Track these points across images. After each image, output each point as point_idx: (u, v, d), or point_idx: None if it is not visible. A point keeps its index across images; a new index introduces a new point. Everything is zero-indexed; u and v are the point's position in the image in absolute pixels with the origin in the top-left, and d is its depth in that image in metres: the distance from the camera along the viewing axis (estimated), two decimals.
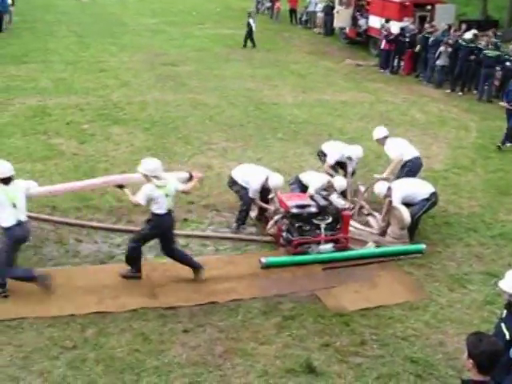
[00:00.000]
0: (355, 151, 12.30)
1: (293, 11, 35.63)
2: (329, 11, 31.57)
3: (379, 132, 12.50)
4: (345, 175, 12.21)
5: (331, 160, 12.25)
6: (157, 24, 32.89)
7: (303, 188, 11.56)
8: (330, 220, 10.56)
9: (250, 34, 28.08)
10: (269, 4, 38.01)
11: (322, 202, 10.65)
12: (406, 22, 25.03)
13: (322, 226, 10.49)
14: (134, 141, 15.39)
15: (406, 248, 10.67)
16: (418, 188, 11.19)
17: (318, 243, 10.44)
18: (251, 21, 28.11)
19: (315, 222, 10.51)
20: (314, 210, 10.53)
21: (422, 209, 10.99)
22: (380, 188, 11.20)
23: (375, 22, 27.36)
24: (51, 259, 10.01)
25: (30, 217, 10.92)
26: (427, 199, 11.01)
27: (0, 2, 28.16)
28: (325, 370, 7.75)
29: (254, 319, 8.69)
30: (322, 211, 10.56)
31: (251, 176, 11.03)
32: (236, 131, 16.41)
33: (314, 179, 11.54)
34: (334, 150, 12.38)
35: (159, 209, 9.21)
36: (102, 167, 13.67)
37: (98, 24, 32.31)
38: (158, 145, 15.17)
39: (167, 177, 9.47)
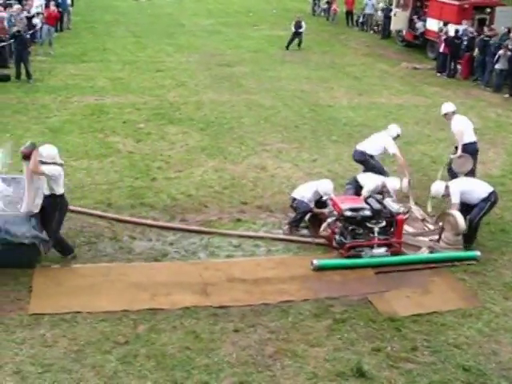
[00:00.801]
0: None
1: (349, 13, 35.41)
2: (386, 13, 31.31)
3: (447, 106, 12.97)
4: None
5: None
6: (213, 25, 33.09)
7: (359, 189, 11.52)
8: (383, 224, 10.46)
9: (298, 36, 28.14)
10: (325, 6, 37.87)
11: (376, 206, 10.55)
12: (465, 25, 24.66)
13: (376, 229, 10.40)
14: (188, 140, 15.52)
15: (460, 254, 10.51)
16: (477, 186, 10.97)
17: (371, 247, 10.36)
18: (303, 23, 28.14)
19: (369, 225, 10.42)
20: (367, 213, 10.43)
21: (481, 211, 10.73)
22: (437, 188, 11.02)
23: (433, 24, 27.02)
24: (105, 255, 10.16)
25: (85, 213, 11.22)
26: (486, 199, 10.75)
27: (60, 3, 28.71)
28: (375, 374, 7.69)
29: (305, 321, 8.67)
30: (376, 215, 10.47)
31: (304, 190, 11.26)
32: (291, 133, 16.40)
33: (369, 180, 11.48)
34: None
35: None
36: (156, 166, 13.83)
37: (155, 24, 32.68)
38: (213, 145, 15.27)
39: None
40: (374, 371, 7.73)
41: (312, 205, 11.21)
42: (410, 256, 10.48)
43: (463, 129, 12.62)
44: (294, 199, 11.29)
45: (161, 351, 7.92)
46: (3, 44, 20.80)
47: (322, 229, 10.90)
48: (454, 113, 12.85)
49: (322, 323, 8.64)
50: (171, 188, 12.70)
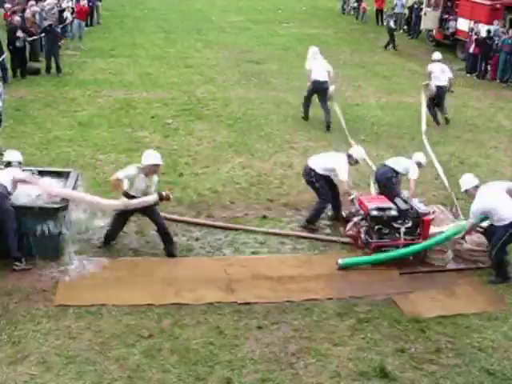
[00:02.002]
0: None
1: (379, 12, 35.25)
2: (417, 13, 31.10)
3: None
4: None
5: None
6: (242, 21, 33.12)
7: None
8: (409, 224, 10.40)
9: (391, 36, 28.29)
10: (355, 4, 37.71)
11: (403, 206, 10.49)
12: (496, 25, 24.40)
13: (402, 229, 10.34)
14: (216, 137, 15.55)
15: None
16: (503, 205, 9.63)
17: (397, 247, 10.31)
18: (391, 23, 28.12)
19: (395, 225, 10.37)
20: (394, 213, 10.38)
21: (499, 241, 9.65)
22: (466, 181, 10.23)
23: (463, 24, 26.80)
24: (131, 249, 10.23)
25: None
26: (508, 226, 9.54)
27: None
28: (398, 375, 7.65)
29: (329, 320, 8.66)
30: (403, 215, 10.41)
31: (332, 161, 11.30)
32: (318, 131, 16.36)
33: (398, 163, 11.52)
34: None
35: None
36: (183, 161, 13.89)
37: (184, 20, 32.81)
38: (240, 141, 15.29)
39: None
40: (397, 372, 7.69)
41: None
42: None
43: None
44: (315, 174, 11.27)
45: (184, 346, 7.96)
46: (34, 38, 20.98)
47: (347, 228, 10.88)
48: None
49: (346, 322, 8.62)
50: (198, 184, 12.74)
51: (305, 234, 11.01)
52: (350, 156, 11.31)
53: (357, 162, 11.43)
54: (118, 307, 8.64)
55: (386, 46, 28.46)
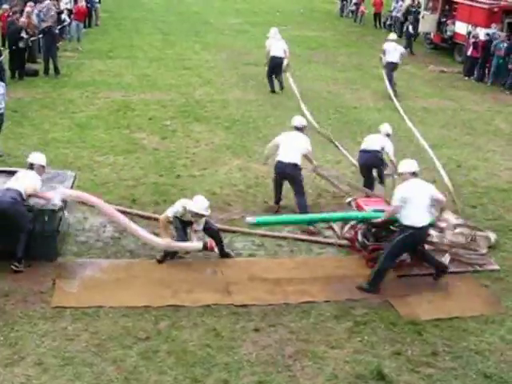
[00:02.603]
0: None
1: (377, 15, 35.33)
2: (415, 16, 31.10)
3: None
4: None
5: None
6: (240, 24, 33.16)
7: None
8: None
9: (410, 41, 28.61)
10: (353, 7, 37.78)
11: None
12: (494, 29, 24.45)
13: None
14: (214, 139, 15.57)
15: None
16: (415, 209, 9.35)
17: None
18: (410, 28, 28.32)
19: (392, 228, 10.36)
20: None
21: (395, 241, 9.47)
22: (406, 165, 9.77)
23: (461, 27, 26.86)
24: (129, 251, 10.22)
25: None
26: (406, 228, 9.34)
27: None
28: (395, 378, 7.65)
29: (326, 322, 8.66)
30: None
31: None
32: (316, 133, 16.33)
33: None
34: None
35: None
36: (181, 163, 13.89)
37: (182, 22, 32.84)
38: (238, 143, 15.31)
39: None
40: (393, 375, 7.69)
41: None
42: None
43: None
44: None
45: (181, 348, 7.95)
46: (32, 39, 20.98)
47: (344, 230, 10.88)
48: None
49: (343, 325, 8.62)
50: (195, 186, 12.74)
51: (302, 236, 11.02)
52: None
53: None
54: (115, 309, 8.63)
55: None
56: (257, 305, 8.94)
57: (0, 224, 9.13)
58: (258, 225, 10.29)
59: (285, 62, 19.95)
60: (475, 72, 24.22)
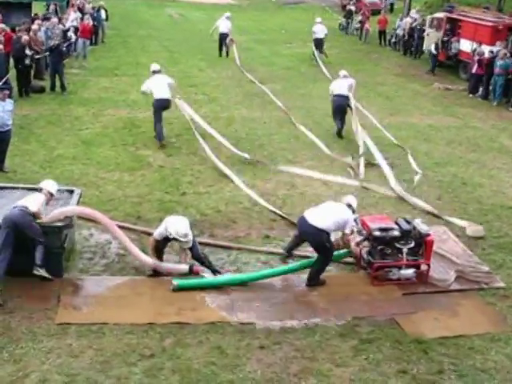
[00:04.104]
0: None
1: (382, 33, 35.43)
2: (419, 34, 31.23)
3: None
4: None
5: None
6: (246, 41, 33.24)
7: None
8: (412, 245, 10.38)
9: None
10: (358, 25, 37.92)
11: (406, 226, 10.48)
12: (499, 47, 24.48)
13: (404, 250, 10.32)
14: (219, 156, 15.55)
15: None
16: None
17: (399, 268, 10.29)
18: (432, 47, 28.39)
19: (397, 245, 10.36)
20: (396, 233, 10.36)
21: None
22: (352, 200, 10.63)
23: (466, 45, 26.92)
24: (134, 268, 10.21)
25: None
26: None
27: (95, 17, 29.14)
28: None
29: (331, 340, 8.63)
30: (405, 235, 10.39)
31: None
32: (321, 151, 16.39)
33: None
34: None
35: None
36: (186, 180, 13.91)
37: (188, 40, 32.98)
38: (243, 161, 15.29)
39: None
40: None
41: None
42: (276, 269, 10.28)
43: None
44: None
45: (186, 365, 7.94)
46: (39, 56, 21.09)
47: (350, 248, 10.85)
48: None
49: (348, 343, 8.60)
50: (201, 203, 12.76)
51: (307, 253, 10.98)
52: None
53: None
54: (120, 326, 8.63)
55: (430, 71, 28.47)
56: (262, 322, 8.92)
57: (13, 238, 9.18)
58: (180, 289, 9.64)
59: (228, 38, 28.65)
60: (480, 89, 24.24)
